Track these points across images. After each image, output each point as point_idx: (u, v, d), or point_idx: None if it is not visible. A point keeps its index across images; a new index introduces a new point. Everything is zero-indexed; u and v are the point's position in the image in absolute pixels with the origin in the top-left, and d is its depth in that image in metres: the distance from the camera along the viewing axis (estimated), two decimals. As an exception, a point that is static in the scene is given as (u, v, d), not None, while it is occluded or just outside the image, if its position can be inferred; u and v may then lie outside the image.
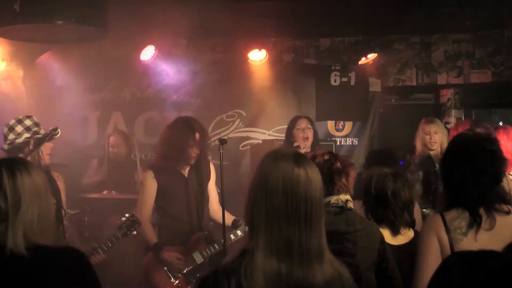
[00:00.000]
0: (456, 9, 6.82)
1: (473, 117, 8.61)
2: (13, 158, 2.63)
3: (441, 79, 8.28)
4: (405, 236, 3.82)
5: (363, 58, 7.85)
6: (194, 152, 5.28)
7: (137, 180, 7.02)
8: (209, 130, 7.80)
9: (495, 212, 3.05)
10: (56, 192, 4.80)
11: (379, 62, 7.99)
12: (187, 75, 7.45)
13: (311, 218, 2.34)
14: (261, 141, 7.80)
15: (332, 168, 3.44)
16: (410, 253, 3.68)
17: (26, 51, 6.90)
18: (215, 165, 5.58)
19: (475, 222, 3.02)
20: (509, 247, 2.27)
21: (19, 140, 4.70)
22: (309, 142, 6.21)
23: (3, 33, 5.77)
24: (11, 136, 4.71)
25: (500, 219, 3.04)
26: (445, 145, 6.22)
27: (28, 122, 4.77)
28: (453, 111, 8.33)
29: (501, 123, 8.88)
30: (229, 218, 5.34)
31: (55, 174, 4.96)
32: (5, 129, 4.77)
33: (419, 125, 6.33)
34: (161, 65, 7.42)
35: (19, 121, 4.77)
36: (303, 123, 6.28)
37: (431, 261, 3.00)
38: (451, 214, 3.07)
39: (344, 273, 2.43)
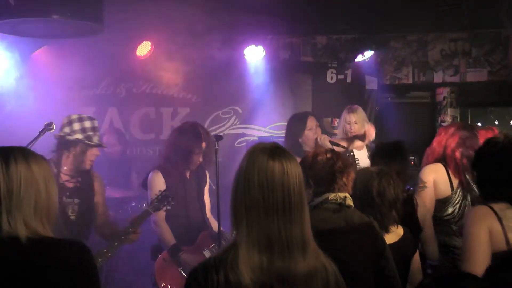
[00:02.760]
0: (453, 7, 6.82)
1: (469, 116, 8.64)
2: (11, 147, 2.62)
3: (438, 78, 8.32)
4: (395, 234, 3.79)
5: (360, 56, 7.86)
6: (198, 160, 5.32)
7: (133, 178, 7.01)
8: (205, 126, 7.76)
9: None
10: (90, 193, 4.88)
11: (376, 60, 8.02)
12: (183, 71, 7.41)
13: (290, 209, 2.39)
14: (257, 138, 7.78)
15: (334, 167, 3.43)
16: (400, 251, 3.71)
17: (21, 46, 6.86)
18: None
19: None
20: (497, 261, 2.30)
21: (70, 138, 4.72)
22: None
23: (-2, 27, 5.73)
24: (66, 130, 4.75)
25: None
26: (370, 134, 6.30)
27: (87, 124, 4.80)
28: (449, 109, 8.32)
29: (496, 122, 8.92)
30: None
31: (94, 175, 4.98)
32: (65, 120, 4.83)
33: (342, 112, 6.44)
34: (157, 60, 7.38)
35: (80, 119, 4.81)
36: (313, 123, 6.13)
37: (481, 251, 3.16)
38: (499, 206, 3.23)
39: (330, 267, 2.47)
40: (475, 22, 7.46)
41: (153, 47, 7.34)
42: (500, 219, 3.18)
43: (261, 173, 2.39)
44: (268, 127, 7.94)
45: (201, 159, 5.31)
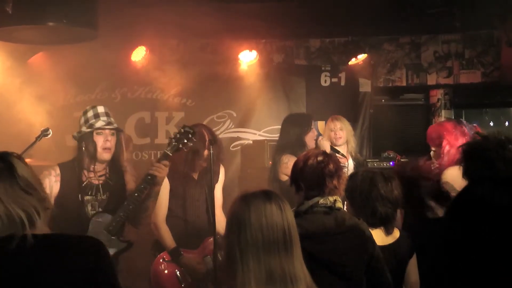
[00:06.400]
0: (445, 9, 6.83)
1: (463, 118, 8.64)
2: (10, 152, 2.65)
3: (431, 80, 8.32)
4: (391, 236, 3.82)
5: (353, 59, 7.88)
6: (200, 165, 5.24)
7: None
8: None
9: None
10: (119, 186, 4.70)
11: (369, 62, 8.03)
12: (177, 76, 7.42)
13: (291, 245, 2.43)
14: (251, 142, 7.80)
15: (324, 171, 3.44)
16: (395, 253, 3.75)
17: (17, 52, 6.88)
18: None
19: None
20: None
21: (75, 135, 4.61)
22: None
23: (-5, 34, 5.75)
24: (77, 129, 4.61)
25: None
26: (351, 143, 6.40)
27: (89, 114, 4.61)
28: (443, 111, 8.35)
29: (491, 123, 8.93)
30: (223, 228, 5.18)
31: (123, 165, 4.78)
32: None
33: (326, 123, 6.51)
34: (152, 65, 7.39)
35: (84, 113, 4.64)
36: (313, 124, 6.20)
37: None
38: None
39: None
40: (467, 24, 7.47)
41: (148, 52, 7.36)
42: None
43: (259, 214, 2.43)
44: (262, 130, 7.96)
45: (204, 164, 5.20)
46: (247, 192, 2.54)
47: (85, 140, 4.57)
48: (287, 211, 2.48)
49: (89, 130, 4.54)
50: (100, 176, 4.64)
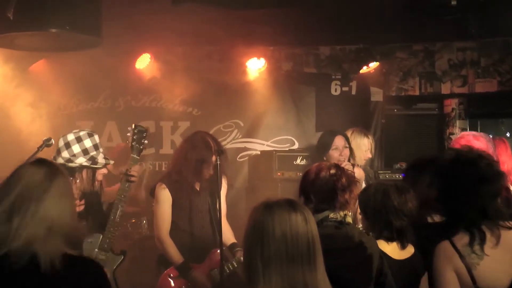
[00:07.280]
0: (460, 16, 6.69)
1: (479, 128, 8.52)
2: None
3: (445, 89, 8.18)
4: (407, 251, 3.72)
5: (365, 67, 7.77)
6: (208, 173, 5.13)
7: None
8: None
9: (499, 227, 3.06)
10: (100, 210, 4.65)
11: (381, 71, 7.93)
12: (183, 84, 7.33)
13: (315, 257, 2.39)
14: (259, 152, 7.70)
15: (336, 185, 3.40)
16: (410, 268, 3.66)
17: (19, 59, 6.81)
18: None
19: (478, 238, 3.02)
20: None
21: (72, 165, 4.26)
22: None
23: (-4, 40, 5.65)
24: (65, 154, 4.29)
25: (504, 234, 3.05)
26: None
27: (87, 143, 4.35)
28: (457, 121, 8.24)
29: (508, 134, 8.78)
30: (229, 239, 5.19)
31: (102, 189, 4.69)
32: (61, 142, 4.35)
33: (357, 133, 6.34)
34: (157, 73, 7.35)
35: (79, 139, 4.34)
36: (340, 143, 5.90)
37: None
38: (461, 239, 3.06)
39: None
40: (483, 31, 7.34)
41: (153, 59, 7.31)
42: (462, 257, 3.02)
43: (283, 225, 2.36)
44: (270, 141, 7.87)
45: (212, 172, 5.10)
46: (270, 201, 2.47)
47: (78, 171, 4.34)
48: (311, 222, 2.44)
49: (94, 166, 4.35)
50: (80, 203, 4.46)
